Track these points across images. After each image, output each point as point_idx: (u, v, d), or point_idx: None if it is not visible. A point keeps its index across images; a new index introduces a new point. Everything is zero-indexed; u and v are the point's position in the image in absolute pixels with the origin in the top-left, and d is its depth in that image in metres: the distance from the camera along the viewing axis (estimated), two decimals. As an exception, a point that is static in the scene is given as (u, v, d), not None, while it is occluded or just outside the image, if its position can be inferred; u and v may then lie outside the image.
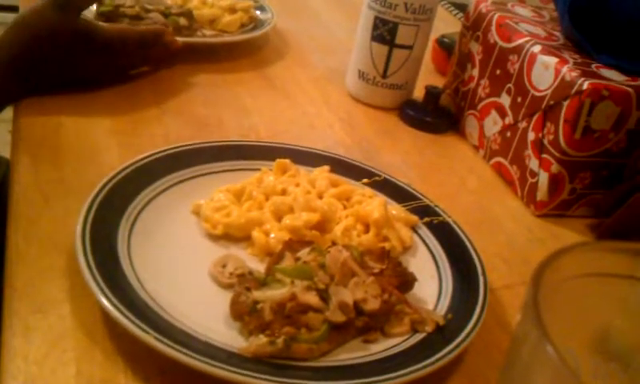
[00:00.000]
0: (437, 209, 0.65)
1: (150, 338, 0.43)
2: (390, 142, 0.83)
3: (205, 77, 0.88)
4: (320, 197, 0.61)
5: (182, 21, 0.91)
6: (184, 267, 0.54)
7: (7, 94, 0.73)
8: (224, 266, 0.53)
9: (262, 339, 0.46)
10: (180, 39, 0.86)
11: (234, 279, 0.52)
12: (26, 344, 0.46)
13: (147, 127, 0.74)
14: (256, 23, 1.02)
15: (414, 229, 0.63)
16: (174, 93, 0.83)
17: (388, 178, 0.68)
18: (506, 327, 0.56)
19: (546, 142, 0.71)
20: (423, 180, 0.75)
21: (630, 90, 0.67)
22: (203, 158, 0.65)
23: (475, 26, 0.84)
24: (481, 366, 0.52)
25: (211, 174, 0.64)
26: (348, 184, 0.65)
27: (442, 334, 0.50)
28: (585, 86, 0.67)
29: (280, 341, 0.45)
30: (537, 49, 0.74)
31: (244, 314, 0.48)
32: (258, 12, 1.05)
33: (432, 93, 0.89)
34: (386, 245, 0.59)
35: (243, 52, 0.98)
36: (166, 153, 0.64)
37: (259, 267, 0.54)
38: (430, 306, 0.54)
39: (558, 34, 0.79)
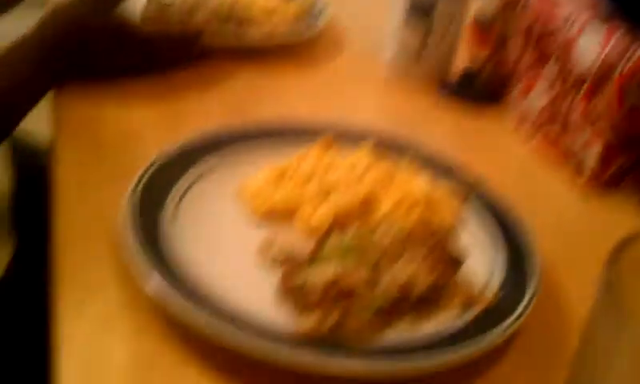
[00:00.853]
0: (483, 185, 0.64)
1: (200, 320, 0.43)
2: (429, 120, 0.82)
3: (241, 62, 0.87)
4: (364, 175, 0.60)
5: (231, 25, 0.87)
6: (230, 249, 0.54)
7: (42, 83, 0.72)
8: (271, 246, 0.53)
9: (313, 319, 0.45)
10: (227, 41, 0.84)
11: (282, 259, 0.51)
12: (76, 329, 0.46)
13: (187, 116, 0.73)
14: (308, 14, 0.96)
15: (461, 206, 0.62)
16: (213, 79, 0.82)
17: (432, 154, 0.67)
18: (557, 304, 0.55)
19: (594, 115, 0.69)
20: (466, 157, 0.73)
21: (683, 58, 0.65)
22: (245, 139, 0.65)
23: (517, -3, 0.82)
24: (534, 344, 0.50)
25: (254, 155, 0.64)
26: (391, 162, 0.64)
27: (495, 312, 0.49)
28: (636, 57, 0.64)
29: (331, 320, 0.45)
30: (583, 18, 0.71)
31: (294, 294, 0.47)
32: None
33: (472, 68, 0.87)
34: (433, 223, 0.57)
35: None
36: (207, 135, 0.64)
37: (306, 246, 0.54)
38: (481, 285, 0.53)
39: (603, 3, 0.77)
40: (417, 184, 0.59)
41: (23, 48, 0.70)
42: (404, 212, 0.58)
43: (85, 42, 0.72)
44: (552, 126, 0.76)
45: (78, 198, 0.58)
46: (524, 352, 0.49)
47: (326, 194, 0.58)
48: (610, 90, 0.67)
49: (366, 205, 0.58)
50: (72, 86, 0.73)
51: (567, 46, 0.73)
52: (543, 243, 0.57)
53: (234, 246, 0.54)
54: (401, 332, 0.48)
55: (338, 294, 0.47)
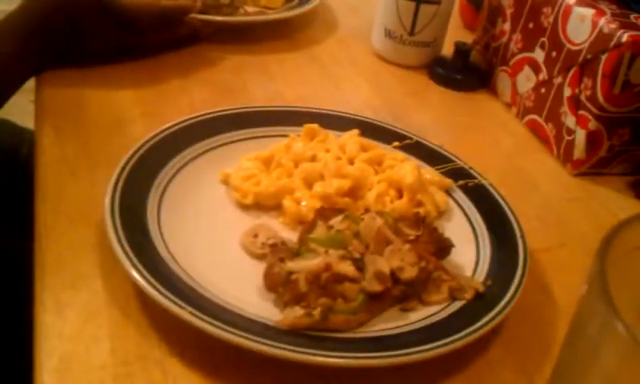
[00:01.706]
0: (471, 171, 0.63)
1: (184, 312, 0.43)
2: (419, 102, 0.81)
3: (229, 43, 0.86)
4: (351, 162, 0.60)
5: (221, 3, 0.87)
6: (215, 238, 0.53)
7: (25, 66, 0.71)
8: (255, 236, 0.52)
9: (298, 311, 0.44)
10: (220, 18, 0.83)
11: (267, 249, 0.50)
12: (59, 320, 0.45)
13: (172, 97, 0.72)
14: None
15: (448, 192, 0.61)
16: (198, 61, 0.81)
17: (420, 140, 0.66)
18: (545, 290, 0.55)
19: (582, 97, 0.69)
20: (455, 141, 0.73)
21: (672, 40, 0.64)
22: (230, 125, 0.64)
23: (506, -22, 0.81)
24: (522, 331, 0.50)
25: (238, 142, 0.63)
26: (379, 148, 0.63)
27: (482, 301, 0.49)
28: (624, 39, 0.64)
29: (317, 312, 0.44)
30: (572, 0, 0.71)
31: (278, 286, 0.47)
32: None
33: (461, 50, 0.86)
34: (421, 210, 0.57)
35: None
36: (192, 121, 0.63)
37: (291, 236, 0.53)
38: (468, 272, 0.53)
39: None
40: (404, 170, 0.59)
41: (6, 28, 0.68)
42: (391, 199, 0.57)
43: (73, 21, 0.71)
44: (540, 109, 0.75)
45: (64, 185, 0.57)
46: (511, 341, 0.49)
47: (312, 182, 0.57)
48: (599, 72, 0.66)
49: (353, 193, 0.57)
50: (54, 71, 0.72)
51: (555, 26, 0.72)
52: (530, 228, 0.57)
53: (219, 235, 0.53)
54: (388, 321, 0.48)
55: (324, 285, 0.46)
